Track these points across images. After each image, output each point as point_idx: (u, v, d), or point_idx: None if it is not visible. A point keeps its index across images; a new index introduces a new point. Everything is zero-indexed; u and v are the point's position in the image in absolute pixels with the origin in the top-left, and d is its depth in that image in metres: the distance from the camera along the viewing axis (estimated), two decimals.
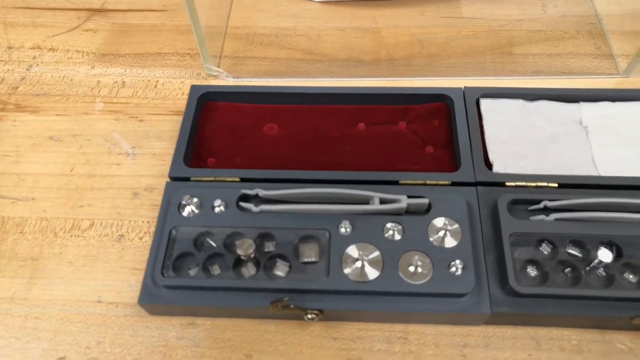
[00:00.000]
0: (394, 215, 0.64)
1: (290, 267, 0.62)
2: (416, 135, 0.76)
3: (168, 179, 0.69)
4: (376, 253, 0.60)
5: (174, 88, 0.86)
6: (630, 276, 0.60)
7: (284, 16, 0.98)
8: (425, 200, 0.63)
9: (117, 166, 0.77)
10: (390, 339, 0.62)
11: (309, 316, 0.59)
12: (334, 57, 0.91)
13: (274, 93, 0.79)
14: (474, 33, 0.93)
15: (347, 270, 0.59)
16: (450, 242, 0.61)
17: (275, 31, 0.95)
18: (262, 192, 0.65)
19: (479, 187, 0.67)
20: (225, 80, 0.87)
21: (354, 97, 0.79)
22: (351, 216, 0.63)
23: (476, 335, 0.62)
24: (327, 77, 0.88)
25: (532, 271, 0.61)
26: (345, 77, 0.88)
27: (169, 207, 0.64)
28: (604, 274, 0.60)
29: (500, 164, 0.70)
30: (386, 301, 0.59)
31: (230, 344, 0.62)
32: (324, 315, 0.61)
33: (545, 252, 0.62)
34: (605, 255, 0.58)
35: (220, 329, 0.63)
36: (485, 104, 0.77)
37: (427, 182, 0.67)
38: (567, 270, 0.61)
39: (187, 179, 0.69)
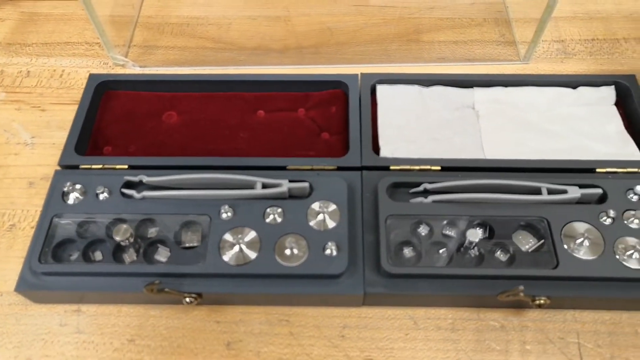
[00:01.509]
0: (278, 199, 0.65)
1: (171, 252, 0.62)
2: (313, 121, 0.77)
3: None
4: (254, 237, 0.61)
5: (79, 77, 0.86)
6: (501, 255, 0.62)
7: (198, 5, 0.98)
8: (306, 184, 0.64)
9: (15, 156, 0.77)
10: (272, 321, 0.63)
11: (187, 300, 0.60)
12: (243, 46, 0.91)
13: (174, 81, 0.79)
14: (384, 21, 0.94)
15: (224, 254, 0.60)
16: (328, 225, 0.62)
17: (187, 20, 0.95)
18: (145, 179, 0.65)
19: (364, 172, 0.68)
20: (132, 69, 0.87)
21: (254, 85, 0.80)
22: (233, 201, 0.64)
23: (356, 316, 0.63)
24: (235, 66, 0.88)
25: (408, 252, 0.62)
26: (253, 65, 0.88)
27: (53, 195, 0.64)
28: (477, 253, 0.61)
29: (388, 149, 0.71)
30: (263, 284, 0.60)
31: (113, 330, 0.63)
32: (206, 299, 0.62)
33: (423, 234, 0.63)
34: (473, 235, 0.59)
35: (105, 315, 0.63)
36: (381, 90, 0.78)
37: (314, 167, 0.68)
38: (442, 250, 0.62)
39: (77, 167, 0.68)
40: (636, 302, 0.61)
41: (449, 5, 0.96)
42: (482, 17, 0.94)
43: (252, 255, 0.60)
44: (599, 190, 0.64)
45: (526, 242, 0.62)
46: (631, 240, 0.60)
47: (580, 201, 0.65)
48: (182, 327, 0.63)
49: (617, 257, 0.60)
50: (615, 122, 0.74)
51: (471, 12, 0.95)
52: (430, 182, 0.66)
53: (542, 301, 0.59)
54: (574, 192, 0.63)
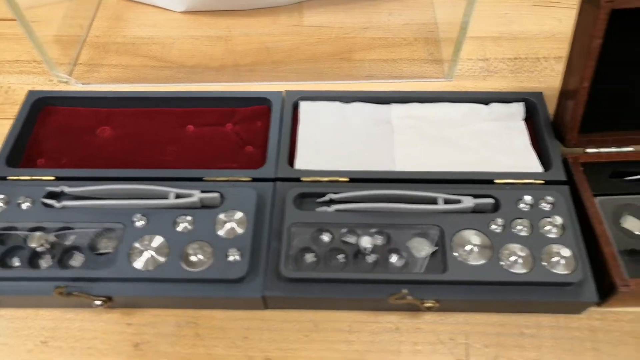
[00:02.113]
0: (191, 209, 0.69)
1: (85, 258, 0.66)
2: (238, 136, 0.82)
3: None
4: (164, 244, 0.65)
5: (24, 94, 0.90)
6: (397, 261, 0.66)
7: (146, 25, 1.03)
8: (216, 195, 0.69)
9: None
10: (181, 323, 0.67)
11: (97, 302, 0.64)
12: (183, 64, 0.96)
13: (111, 98, 0.84)
14: (320, 40, 0.99)
15: (134, 260, 0.65)
16: (234, 233, 0.66)
17: (133, 40, 1.00)
18: (66, 189, 0.70)
19: (277, 183, 0.73)
20: (75, 86, 0.92)
21: (186, 101, 0.84)
22: (147, 210, 0.68)
23: (259, 319, 0.67)
24: (174, 83, 0.93)
25: (309, 258, 0.66)
26: (190, 83, 0.93)
27: None
28: (374, 259, 0.66)
29: (303, 161, 0.75)
30: (169, 288, 0.64)
31: (29, 332, 0.67)
32: (119, 303, 0.66)
33: (324, 240, 0.67)
34: (366, 241, 0.63)
35: (21, 318, 0.67)
36: (304, 106, 0.82)
37: (230, 178, 0.73)
38: (341, 256, 0.66)
39: (4, 179, 0.73)
40: (521, 305, 0.65)
41: (383, 25, 1.01)
42: (413, 36, 0.99)
43: (160, 261, 0.64)
44: (491, 200, 0.68)
45: (421, 249, 0.66)
46: (516, 247, 0.64)
47: (476, 210, 0.68)
48: (95, 329, 0.66)
49: (502, 262, 0.63)
50: (522, 137, 0.78)
51: (404, 31, 1.00)
52: (335, 193, 0.70)
53: (430, 304, 0.63)
54: (468, 202, 0.67)
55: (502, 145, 0.78)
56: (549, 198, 0.67)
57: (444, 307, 0.65)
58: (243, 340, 0.65)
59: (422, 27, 1.01)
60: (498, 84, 0.91)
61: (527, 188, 0.70)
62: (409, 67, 0.94)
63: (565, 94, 0.73)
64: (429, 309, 0.63)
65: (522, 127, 0.79)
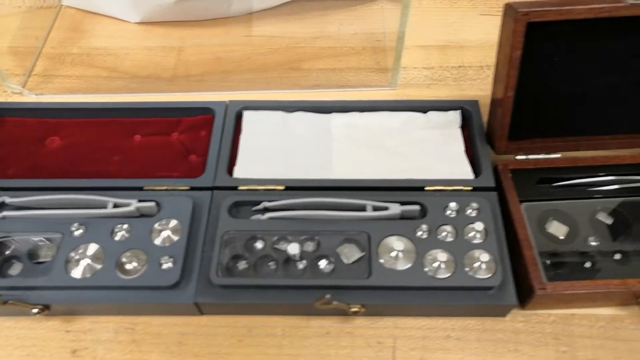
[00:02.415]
0: (128, 217, 0.71)
1: (23, 267, 0.68)
2: (183, 145, 0.84)
3: None
4: (100, 252, 0.68)
5: None
6: (325, 266, 0.68)
7: (101, 36, 1.05)
8: (152, 204, 0.71)
9: None
10: (119, 329, 0.69)
11: (34, 310, 0.66)
12: (136, 75, 0.98)
13: (61, 109, 0.86)
14: (270, 50, 1.02)
15: (71, 268, 0.67)
16: (169, 241, 0.69)
17: (89, 50, 1.02)
18: (7, 200, 0.72)
19: (215, 191, 0.75)
20: (28, 97, 0.94)
21: (133, 112, 0.87)
22: (86, 219, 0.70)
23: (196, 324, 0.70)
24: (125, 93, 0.95)
25: (241, 265, 0.69)
26: (142, 93, 0.95)
27: None
28: (304, 265, 0.68)
29: (242, 170, 0.78)
30: (104, 295, 0.67)
31: None
32: (57, 311, 0.68)
33: (257, 248, 0.70)
34: (293, 248, 0.66)
35: None
36: (247, 115, 0.85)
37: (169, 187, 0.75)
38: (272, 263, 0.68)
39: None
40: (445, 309, 0.67)
41: (333, 35, 1.04)
42: (362, 46, 1.01)
43: (96, 269, 0.66)
44: (417, 207, 0.70)
45: (351, 255, 0.69)
46: (439, 253, 0.66)
47: (404, 217, 0.71)
48: (34, 336, 0.69)
49: (426, 268, 0.66)
50: (457, 144, 0.81)
51: (352, 41, 1.02)
52: (270, 201, 0.72)
53: (357, 309, 0.66)
54: (395, 209, 0.70)
55: (437, 152, 0.80)
56: (474, 204, 0.70)
57: (372, 312, 0.68)
58: (178, 345, 0.67)
59: (370, 36, 1.03)
60: (441, 92, 0.93)
61: (456, 195, 0.73)
62: (355, 76, 0.96)
63: (493, 102, 0.76)
64: (355, 314, 0.65)
65: (458, 134, 0.82)
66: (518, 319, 0.69)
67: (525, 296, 0.67)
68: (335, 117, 0.84)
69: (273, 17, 1.06)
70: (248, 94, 0.92)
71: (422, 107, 0.85)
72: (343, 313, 0.67)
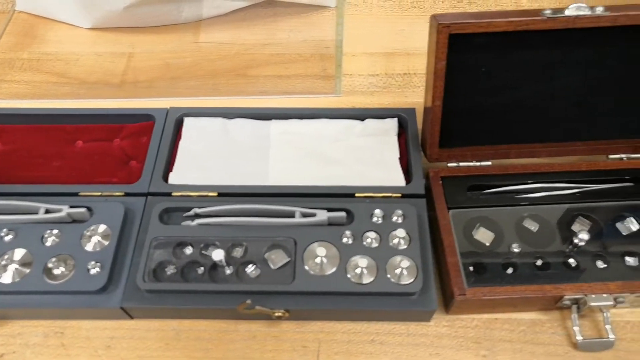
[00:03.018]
0: (60, 223, 0.72)
1: None
2: (123, 151, 0.85)
3: None
4: (29, 257, 0.68)
5: None
6: (252, 271, 0.69)
7: (53, 42, 1.06)
8: (83, 209, 0.72)
9: None
10: (48, 333, 0.70)
11: None
12: (84, 80, 0.99)
13: (3, 114, 0.87)
14: (220, 57, 1.03)
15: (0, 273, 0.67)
16: (100, 246, 0.70)
17: (39, 56, 1.03)
18: None
19: (149, 197, 0.76)
20: None
21: (77, 117, 0.87)
22: (16, 225, 0.71)
23: (126, 328, 0.71)
24: (73, 99, 0.96)
25: (170, 270, 0.70)
26: (88, 99, 0.96)
27: None
28: (231, 270, 0.69)
29: (178, 176, 0.79)
30: (32, 300, 0.67)
31: None
32: None
33: (186, 253, 0.71)
34: (217, 254, 0.67)
35: None
36: (188, 122, 0.86)
37: (103, 193, 0.76)
38: (200, 269, 0.70)
39: None
40: (369, 314, 0.68)
41: (283, 42, 1.05)
42: (310, 53, 1.03)
43: (24, 273, 0.67)
44: (343, 214, 0.72)
45: (278, 260, 0.70)
46: (363, 259, 0.68)
47: (332, 223, 0.72)
48: None
49: (348, 273, 0.67)
50: (392, 151, 0.83)
51: (301, 48, 1.04)
52: (201, 207, 0.73)
53: (280, 314, 0.67)
54: (322, 216, 0.71)
55: (373, 160, 0.82)
56: (399, 211, 0.71)
57: (298, 316, 0.69)
58: (106, 349, 0.68)
59: (319, 43, 1.05)
60: (385, 99, 0.95)
61: (385, 201, 0.74)
62: (301, 83, 0.98)
63: (425, 111, 0.77)
64: (279, 318, 0.67)
65: (394, 142, 0.84)
66: (442, 323, 0.70)
67: (448, 301, 0.68)
68: (275, 124, 0.85)
69: (224, 24, 1.07)
70: (194, 100, 0.93)
71: (361, 114, 0.86)
72: (268, 317, 0.68)
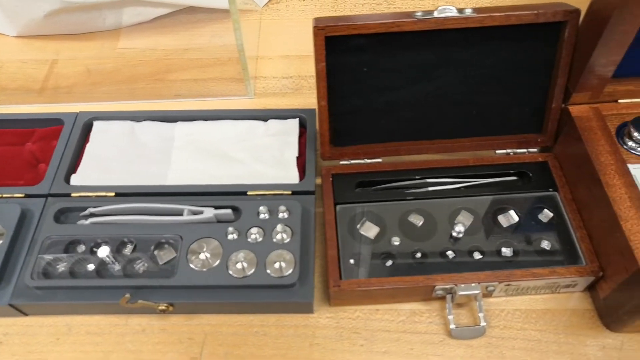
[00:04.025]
0: None
1: None
2: (33, 155, 0.88)
3: None
4: None
5: None
6: (140, 267, 0.72)
7: None
8: None
9: None
10: None
11: None
12: (6, 87, 1.02)
13: None
14: (140, 62, 1.06)
15: None
16: None
17: None
18: None
19: (50, 198, 0.79)
20: None
21: None
22: None
23: (20, 325, 0.74)
24: None
25: (61, 267, 0.73)
26: (8, 105, 0.99)
27: None
28: (120, 266, 0.72)
29: (80, 178, 0.82)
30: None
31: None
32: None
33: (78, 251, 0.74)
34: (103, 251, 0.70)
35: None
36: (97, 125, 0.89)
37: (4, 195, 0.79)
38: (90, 265, 0.73)
39: None
40: (252, 306, 0.72)
41: (204, 46, 1.08)
42: (228, 57, 1.06)
43: None
44: (229, 211, 0.75)
45: (165, 257, 0.73)
46: (243, 253, 0.71)
47: (220, 220, 0.75)
48: None
49: (230, 268, 0.70)
50: (292, 151, 0.86)
51: (220, 52, 1.07)
52: (95, 207, 0.76)
53: (164, 307, 0.70)
54: (209, 213, 0.74)
55: (273, 159, 0.85)
56: (283, 207, 0.74)
57: (185, 310, 0.72)
58: None
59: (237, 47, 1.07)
60: (296, 100, 0.98)
61: (275, 198, 0.77)
62: (217, 86, 1.01)
63: (318, 110, 0.80)
64: (164, 311, 0.70)
65: (294, 141, 0.87)
66: (325, 315, 0.73)
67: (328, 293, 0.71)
68: (180, 126, 0.88)
69: (146, 30, 1.10)
70: (111, 104, 0.96)
71: (265, 115, 0.89)
72: (153, 311, 0.70)
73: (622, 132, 0.73)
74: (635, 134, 0.71)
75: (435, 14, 0.70)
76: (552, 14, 0.71)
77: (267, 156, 0.85)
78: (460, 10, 0.70)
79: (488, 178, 0.81)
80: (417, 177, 0.81)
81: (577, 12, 0.71)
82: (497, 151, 0.83)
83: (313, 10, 1.14)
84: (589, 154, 0.71)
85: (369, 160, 0.82)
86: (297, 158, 0.84)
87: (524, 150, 0.82)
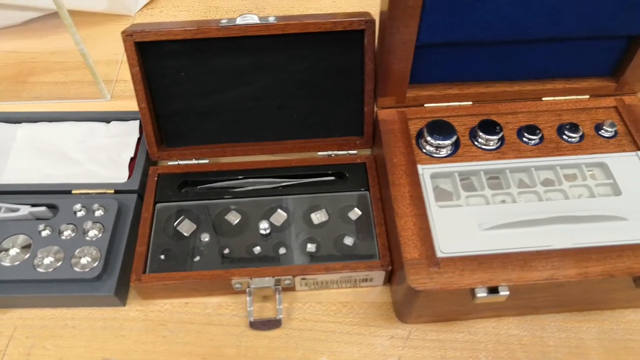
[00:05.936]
0: None
1: None
2: None
3: None
4: None
5: None
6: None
7: None
8: None
9: None
10: None
11: None
12: None
13: None
14: (5, 65, 1.08)
15: None
16: None
17: None
18: None
19: None
20: None
21: None
22: None
23: None
24: None
25: None
26: None
27: None
28: None
29: None
30: None
31: None
32: None
33: None
34: None
35: None
36: None
37: None
38: None
39: None
40: (57, 300, 0.75)
41: (70, 50, 1.11)
42: (95, 59, 1.08)
43: None
44: (44, 208, 0.78)
45: None
46: (52, 249, 0.74)
47: (39, 217, 0.78)
48: None
49: (37, 262, 0.73)
50: (128, 151, 0.89)
51: (89, 55, 1.09)
52: None
53: None
54: (24, 211, 0.77)
55: (108, 160, 0.88)
56: (97, 205, 0.77)
57: None
58: None
59: (109, 50, 1.11)
60: None
61: (98, 197, 0.80)
62: (77, 89, 1.04)
63: (140, 113, 0.84)
64: None
65: (133, 143, 0.90)
66: (136, 308, 0.77)
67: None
68: (23, 127, 0.91)
69: (15, 33, 1.13)
70: None
71: (108, 117, 0.92)
72: None
73: (421, 134, 0.77)
74: (428, 137, 0.76)
75: (238, 21, 0.74)
76: (348, 23, 0.75)
77: (104, 157, 0.88)
78: (263, 18, 0.74)
79: (308, 178, 0.84)
80: (239, 177, 0.84)
81: (372, 21, 0.75)
82: (319, 153, 0.86)
83: (186, 17, 1.18)
84: (385, 155, 0.75)
85: (196, 161, 0.85)
86: (132, 159, 0.87)
87: (345, 152, 0.86)
